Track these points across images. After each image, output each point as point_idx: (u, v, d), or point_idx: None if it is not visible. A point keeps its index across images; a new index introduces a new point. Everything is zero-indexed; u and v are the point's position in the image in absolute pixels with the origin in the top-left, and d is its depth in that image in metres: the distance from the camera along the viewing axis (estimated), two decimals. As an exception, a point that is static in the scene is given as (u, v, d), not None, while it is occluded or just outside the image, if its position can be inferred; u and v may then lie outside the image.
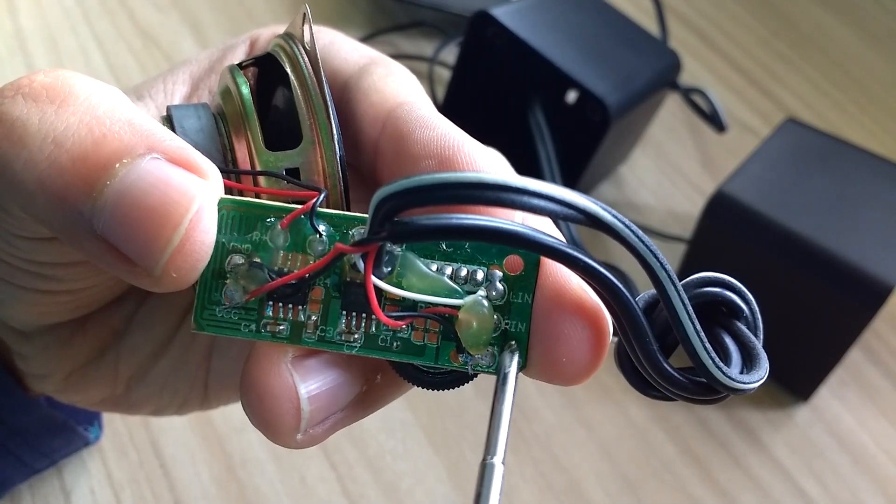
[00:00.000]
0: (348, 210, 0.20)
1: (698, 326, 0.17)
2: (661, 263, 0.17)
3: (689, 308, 0.17)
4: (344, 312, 0.18)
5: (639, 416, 0.44)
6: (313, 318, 0.18)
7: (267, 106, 0.21)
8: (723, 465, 0.43)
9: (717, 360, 0.17)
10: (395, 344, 0.18)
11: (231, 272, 0.18)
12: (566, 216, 0.16)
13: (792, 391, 0.46)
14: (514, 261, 0.18)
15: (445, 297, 0.18)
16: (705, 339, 0.17)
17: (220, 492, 0.37)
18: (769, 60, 0.71)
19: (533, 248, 0.16)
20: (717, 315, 0.19)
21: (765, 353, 0.18)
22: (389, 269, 0.18)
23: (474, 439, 0.41)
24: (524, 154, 0.48)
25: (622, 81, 0.49)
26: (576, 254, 0.17)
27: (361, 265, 0.17)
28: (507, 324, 0.18)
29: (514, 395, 0.17)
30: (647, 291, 0.18)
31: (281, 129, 0.20)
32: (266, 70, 0.21)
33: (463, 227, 0.16)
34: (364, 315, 0.18)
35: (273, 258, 0.18)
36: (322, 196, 0.18)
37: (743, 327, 0.18)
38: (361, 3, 0.67)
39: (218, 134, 0.21)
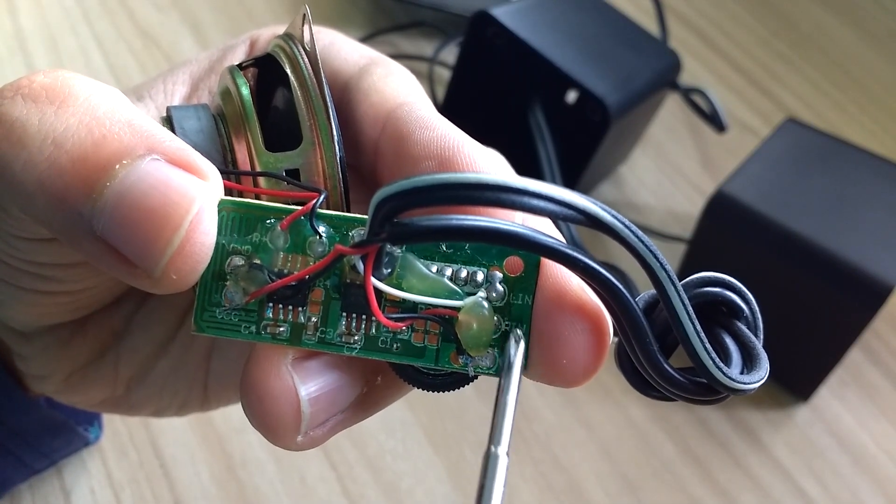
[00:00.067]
0: (348, 211, 0.20)
1: (698, 326, 0.17)
2: (661, 264, 0.17)
3: (689, 308, 0.17)
4: (344, 314, 0.18)
5: (639, 416, 0.44)
6: (313, 319, 0.18)
7: (267, 107, 0.21)
8: (723, 465, 0.43)
9: (717, 360, 0.17)
10: (395, 345, 0.18)
11: (231, 274, 0.18)
12: (566, 217, 0.16)
13: (792, 391, 0.46)
14: (515, 262, 0.18)
15: (445, 298, 0.18)
16: (705, 340, 0.17)
17: (220, 492, 0.37)
18: (769, 60, 0.71)
19: (533, 249, 0.16)
20: (717, 315, 0.19)
21: (765, 354, 0.18)
22: (389, 270, 0.18)
23: (474, 439, 0.41)
24: (524, 154, 0.48)
25: (622, 81, 0.49)
26: (576, 254, 0.17)
27: (361, 266, 0.17)
28: (507, 325, 0.18)
29: (519, 383, 0.17)
30: (646, 291, 0.18)
31: (281, 130, 0.20)
32: (266, 71, 0.21)
33: (463, 228, 0.16)
34: (364, 316, 0.18)
35: (273, 259, 0.18)
36: (322, 197, 0.18)
37: (743, 327, 0.18)
38: (361, 3, 0.67)
39: (218, 135, 0.21)
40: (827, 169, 0.46)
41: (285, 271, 0.18)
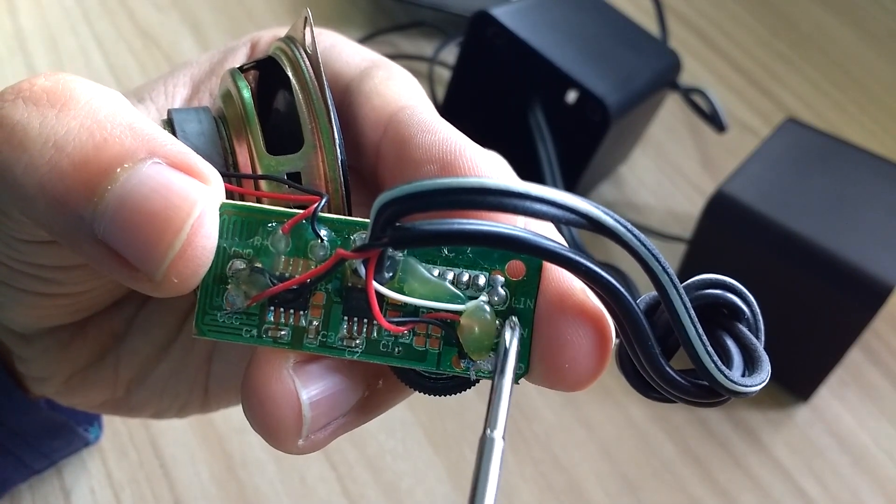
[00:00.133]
0: (350, 214, 0.20)
1: (700, 329, 0.17)
2: (663, 266, 0.17)
3: (691, 310, 0.17)
4: (345, 318, 0.18)
5: (639, 416, 0.44)
6: (315, 323, 0.18)
7: (268, 109, 0.21)
8: (723, 465, 0.43)
9: (718, 362, 0.17)
10: (396, 349, 0.18)
11: (232, 277, 0.18)
12: (568, 220, 0.16)
13: (792, 391, 0.46)
14: (517, 266, 0.18)
15: (447, 302, 0.18)
16: (707, 342, 0.17)
17: (220, 492, 0.37)
18: (769, 60, 0.71)
19: (535, 253, 0.16)
20: (718, 317, 0.19)
21: (766, 356, 0.18)
22: (391, 274, 0.18)
23: (474, 439, 0.41)
24: (524, 154, 0.48)
25: (622, 81, 0.49)
26: (578, 258, 0.17)
27: (363, 270, 0.17)
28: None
29: (514, 369, 0.17)
30: (648, 293, 0.18)
31: (282, 132, 0.20)
32: (267, 73, 0.21)
33: (465, 232, 0.16)
34: (365, 320, 0.18)
35: (274, 263, 0.18)
36: (323, 201, 0.18)
37: (744, 329, 0.18)
38: (361, 3, 0.67)
39: (219, 138, 0.21)
40: (827, 169, 0.46)
41: (287, 275, 0.18)
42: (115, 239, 0.16)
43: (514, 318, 0.18)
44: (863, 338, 0.44)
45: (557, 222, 0.16)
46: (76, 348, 0.25)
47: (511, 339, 0.17)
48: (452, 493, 0.39)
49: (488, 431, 0.16)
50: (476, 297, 0.18)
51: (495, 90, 0.52)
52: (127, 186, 0.16)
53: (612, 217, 0.16)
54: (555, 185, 0.15)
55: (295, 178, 0.20)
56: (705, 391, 0.18)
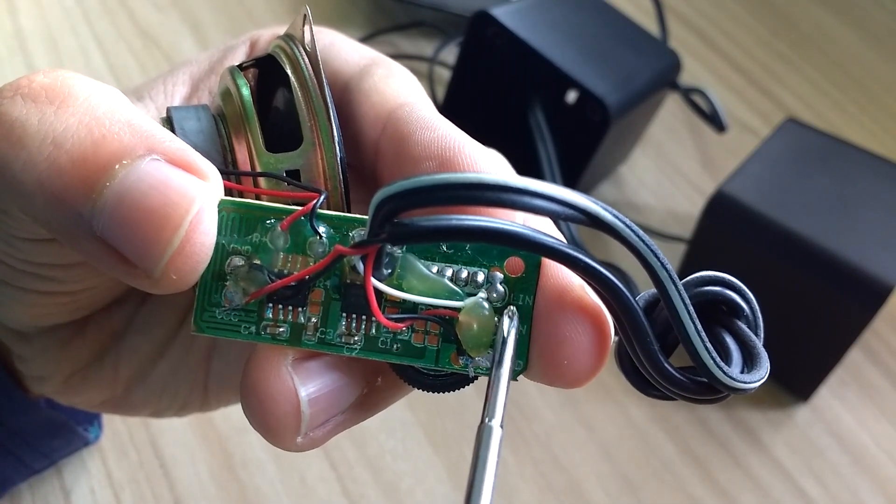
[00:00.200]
0: (349, 211, 0.20)
1: (699, 326, 0.17)
2: (662, 263, 0.17)
3: (690, 307, 0.17)
4: (344, 314, 0.18)
5: (639, 416, 0.44)
6: (313, 320, 0.18)
7: (267, 107, 0.21)
8: (723, 465, 0.43)
9: (717, 359, 0.17)
10: (395, 346, 0.18)
11: (231, 274, 0.18)
12: (567, 216, 0.16)
13: (792, 391, 0.46)
14: (515, 262, 0.18)
15: (446, 299, 0.18)
16: (706, 339, 0.17)
17: (220, 492, 0.37)
18: (769, 60, 0.71)
19: (534, 249, 0.16)
20: (717, 314, 0.19)
21: (765, 353, 0.18)
22: (389, 270, 0.18)
23: (474, 439, 0.41)
24: (524, 154, 0.48)
25: (622, 81, 0.49)
26: (577, 254, 0.16)
27: (361, 267, 0.17)
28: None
29: (512, 359, 0.17)
30: (647, 291, 0.18)
31: (281, 130, 0.20)
32: (266, 71, 0.21)
33: (463, 229, 0.16)
34: (364, 317, 0.18)
35: (273, 260, 0.18)
36: (322, 197, 0.18)
37: (743, 326, 0.18)
38: (361, 3, 0.67)
39: (218, 135, 0.21)
40: (827, 169, 0.46)
41: (285, 272, 0.18)
42: (113, 236, 0.16)
43: (513, 308, 0.18)
44: (863, 338, 0.44)
45: (556, 218, 0.16)
46: (76, 347, 0.25)
47: (509, 328, 0.17)
48: (452, 493, 0.39)
49: (487, 420, 0.16)
50: (475, 294, 0.18)
51: (495, 90, 0.52)
52: (125, 183, 0.16)
53: (610, 213, 0.16)
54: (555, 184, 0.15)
55: (294, 175, 0.20)
56: (704, 388, 0.18)
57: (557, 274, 0.18)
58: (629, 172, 0.58)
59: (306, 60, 0.20)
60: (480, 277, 0.18)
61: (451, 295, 0.18)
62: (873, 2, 0.81)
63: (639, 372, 0.18)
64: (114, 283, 0.23)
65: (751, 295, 0.18)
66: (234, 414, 0.39)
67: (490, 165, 0.19)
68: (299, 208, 0.18)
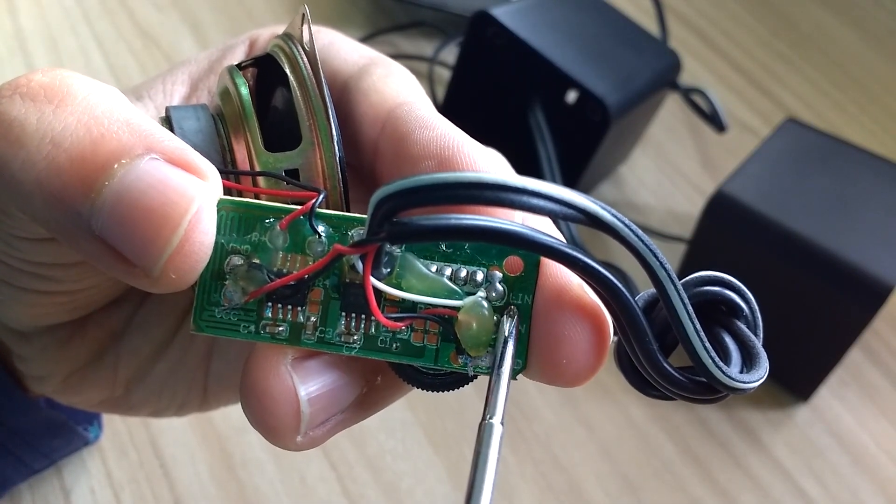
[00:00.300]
0: (348, 211, 0.20)
1: (698, 326, 0.17)
2: (661, 263, 0.17)
3: (689, 307, 0.17)
4: (343, 314, 0.18)
5: (639, 416, 0.44)
6: (312, 319, 0.18)
7: (266, 107, 0.21)
8: (723, 465, 0.43)
9: (716, 359, 0.17)
10: (394, 345, 0.18)
11: (230, 273, 0.18)
12: (566, 216, 0.16)
13: (792, 391, 0.46)
14: (514, 262, 0.18)
15: (445, 298, 0.18)
16: (705, 339, 0.17)
17: (220, 492, 0.37)
18: (769, 60, 0.71)
19: (532, 249, 0.16)
20: (716, 314, 0.19)
21: (765, 353, 0.18)
22: (389, 269, 0.18)
23: (474, 439, 0.41)
24: (524, 154, 0.48)
25: (622, 81, 0.49)
26: (575, 254, 0.16)
27: (360, 266, 0.17)
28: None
29: (513, 357, 0.17)
30: (646, 291, 0.18)
31: (280, 130, 0.20)
32: (265, 71, 0.21)
33: (462, 228, 0.16)
34: (363, 316, 0.18)
35: (272, 259, 0.18)
36: (321, 197, 0.18)
37: (743, 326, 0.18)
38: (361, 3, 0.67)
39: (217, 135, 0.21)
40: (827, 169, 0.46)
41: (284, 271, 0.18)
42: (112, 235, 0.16)
43: (514, 307, 0.18)
44: (863, 338, 0.44)
45: (555, 217, 0.16)
46: (75, 346, 0.25)
47: (510, 328, 0.17)
48: (452, 494, 0.39)
49: (488, 418, 0.16)
50: (474, 293, 0.18)
51: (495, 90, 0.52)
52: (124, 182, 0.16)
53: (609, 212, 0.16)
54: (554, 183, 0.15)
55: (293, 174, 0.20)
56: (703, 388, 0.18)
57: (556, 273, 0.18)
58: (629, 172, 0.58)
59: (305, 60, 0.20)
60: (479, 276, 0.18)
61: (451, 294, 0.18)
62: (873, 2, 0.81)
63: (638, 372, 0.18)
64: (113, 282, 0.23)
65: (750, 295, 0.18)
66: (233, 414, 0.39)
67: (489, 165, 0.19)
68: (298, 207, 0.18)
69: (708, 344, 0.17)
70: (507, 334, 0.17)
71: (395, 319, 0.18)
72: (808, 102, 0.68)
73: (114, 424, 0.38)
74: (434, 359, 0.18)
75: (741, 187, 0.44)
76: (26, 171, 0.17)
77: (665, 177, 0.59)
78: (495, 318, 0.18)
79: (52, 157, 0.16)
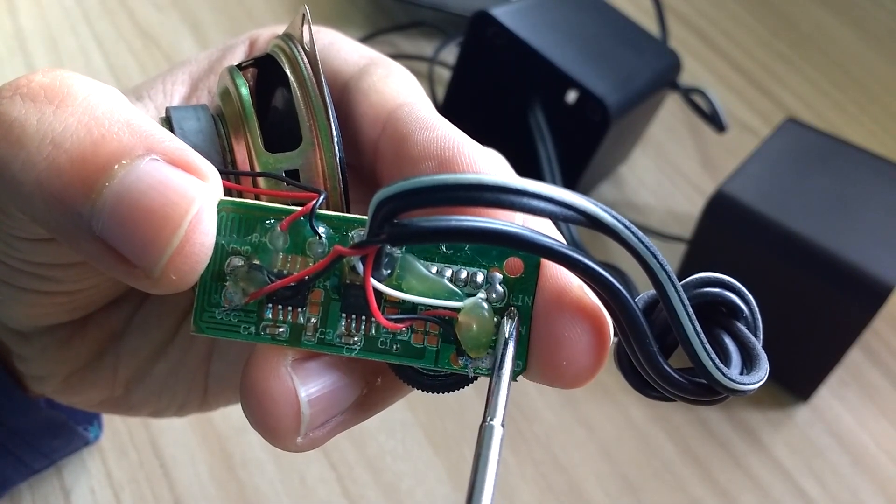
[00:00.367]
0: (348, 212, 0.20)
1: (698, 327, 0.17)
2: (661, 264, 0.17)
3: (689, 309, 0.17)
4: (343, 315, 0.18)
5: (639, 417, 0.44)
6: (313, 320, 0.18)
7: (266, 107, 0.21)
8: (723, 465, 0.43)
9: (716, 360, 0.17)
10: (394, 346, 0.18)
11: (230, 274, 0.18)
12: (566, 217, 0.16)
13: (792, 391, 0.46)
14: (515, 263, 0.18)
15: (445, 299, 0.18)
16: (705, 340, 0.17)
17: (220, 492, 0.37)
18: (769, 60, 0.71)
19: (533, 250, 0.16)
20: (716, 315, 0.19)
21: (765, 354, 0.18)
22: (389, 271, 0.18)
23: (474, 439, 0.41)
24: (524, 154, 0.48)
25: (622, 81, 0.49)
26: (576, 255, 0.16)
27: (361, 267, 0.17)
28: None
29: (513, 359, 0.17)
30: (646, 292, 0.18)
31: (280, 130, 0.20)
32: (265, 71, 0.21)
33: (462, 229, 0.16)
34: (363, 317, 0.18)
35: (272, 260, 0.18)
36: (321, 198, 0.18)
37: (743, 328, 0.18)
38: (361, 3, 0.67)
39: (217, 135, 0.20)
40: (827, 169, 0.46)
41: (285, 272, 0.18)
42: (112, 235, 0.16)
43: (513, 308, 0.18)
44: (863, 338, 0.44)
45: (555, 219, 0.16)
46: (75, 347, 0.25)
47: (510, 329, 0.17)
48: (452, 494, 0.39)
49: (488, 420, 0.16)
50: (474, 295, 0.18)
51: (495, 90, 0.52)
52: (125, 183, 0.16)
53: (609, 214, 0.16)
54: (554, 185, 0.15)
55: (293, 175, 0.20)
56: (703, 389, 0.18)
57: (556, 275, 0.18)
58: (629, 172, 0.58)
59: (305, 60, 0.20)
60: (480, 278, 0.18)
61: (451, 295, 0.18)
62: (873, 2, 0.81)
63: (638, 373, 0.18)
64: (113, 283, 0.23)
65: (750, 296, 0.18)
66: (233, 414, 0.39)
67: (489, 166, 0.19)
68: (299, 208, 0.18)
69: (708, 345, 0.17)
70: (507, 336, 0.17)
71: (396, 321, 0.18)
72: (808, 102, 0.68)
73: (114, 424, 0.38)
74: (434, 360, 0.18)
75: (741, 187, 0.44)
76: (27, 172, 0.17)
77: (665, 177, 0.59)
78: (495, 319, 0.18)
79: (53, 158, 0.16)
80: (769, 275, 0.43)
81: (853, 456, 0.44)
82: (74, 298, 0.23)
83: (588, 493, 0.40)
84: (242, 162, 0.20)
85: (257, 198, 0.19)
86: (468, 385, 0.19)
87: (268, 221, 0.18)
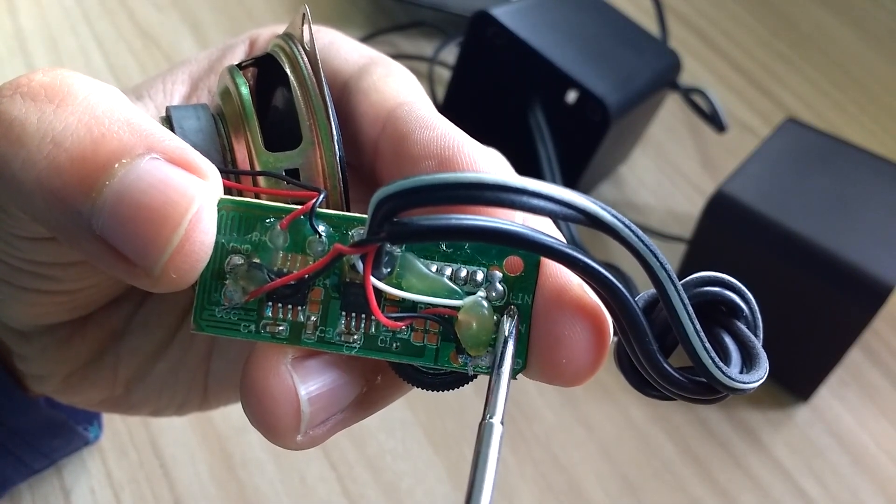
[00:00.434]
0: (348, 210, 0.20)
1: (698, 326, 0.17)
2: (661, 263, 0.17)
3: (689, 308, 0.17)
4: (343, 313, 0.18)
5: (639, 416, 0.44)
6: (313, 318, 0.18)
7: (266, 106, 0.21)
8: (723, 465, 0.43)
9: (716, 359, 0.17)
10: (394, 345, 0.18)
11: (230, 273, 0.18)
12: (566, 216, 0.16)
13: (792, 391, 0.46)
14: (514, 261, 0.18)
15: (445, 297, 0.18)
16: (705, 339, 0.17)
17: (220, 492, 0.37)
18: (769, 60, 0.71)
19: (532, 249, 0.16)
20: (716, 314, 0.19)
21: (764, 353, 0.18)
22: (389, 269, 0.18)
23: (474, 439, 0.41)
24: (524, 154, 0.48)
25: (622, 81, 0.49)
26: (575, 254, 0.16)
27: (361, 266, 0.17)
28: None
29: (513, 357, 0.17)
30: (646, 291, 0.18)
31: (281, 129, 0.20)
32: (265, 70, 0.21)
33: (462, 228, 0.16)
34: (363, 316, 0.18)
35: (272, 259, 0.18)
36: (321, 196, 0.18)
37: (743, 327, 0.18)
38: (361, 3, 0.67)
39: (217, 135, 0.21)
40: (827, 169, 0.46)
41: (285, 270, 0.18)
42: (112, 234, 0.16)
43: (513, 307, 0.18)
44: (863, 338, 0.44)
45: (555, 218, 0.16)
46: (75, 346, 0.25)
47: (510, 328, 0.18)
48: (452, 494, 0.39)
49: (488, 418, 0.16)
50: (474, 293, 0.18)
51: (495, 90, 0.52)
52: (125, 182, 0.16)
53: (609, 213, 0.16)
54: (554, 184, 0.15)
55: (293, 174, 0.20)
56: (703, 388, 0.18)
57: (556, 273, 0.18)
58: (629, 172, 0.58)
59: (305, 59, 0.20)
60: (479, 276, 0.18)
61: (451, 294, 0.18)
62: (873, 2, 0.81)
63: (638, 372, 0.18)
64: (113, 282, 0.23)
65: (750, 295, 0.18)
66: (233, 414, 0.39)
67: (489, 165, 0.19)
68: (298, 207, 0.18)
69: (708, 344, 0.17)
70: (507, 334, 0.17)
71: (396, 319, 0.18)
72: (808, 102, 0.68)
73: (114, 424, 0.38)
74: (434, 358, 0.18)
75: (741, 187, 0.44)
76: (27, 171, 0.17)
77: (665, 177, 0.59)
78: (495, 317, 0.18)
79: (53, 157, 0.17)
80: (769, 275, 0.43)
81: (853, 456, 0.44)
82: (75, 297, 0.23)
83: (588, 493, 0.40)
84: (242, 161, 0.20)
85: (257, 197, 0.19)
86: (468, 383, 0.19)
87: (268, 220, 0.18)
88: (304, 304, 0.18)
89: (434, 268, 0.18)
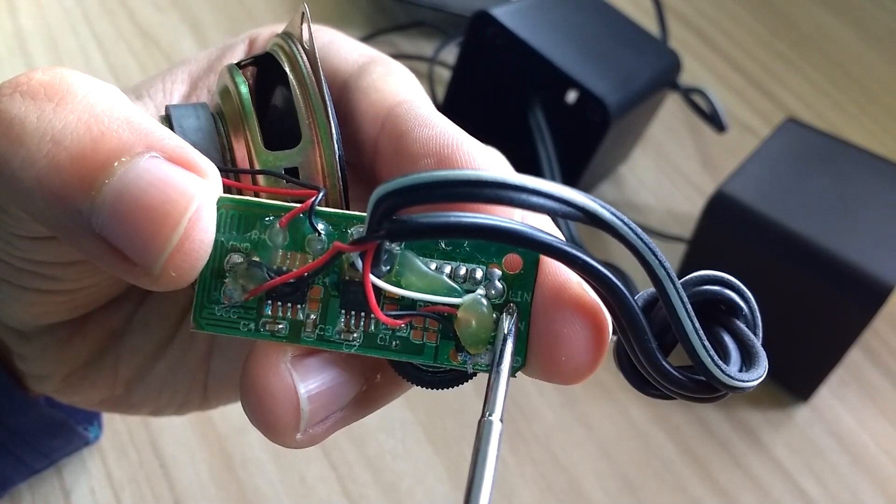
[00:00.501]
0: (347, 209, 0.20)
1: (697, 325, 0.17)
2: (661, 261, 0.17)
3: (688, 306, 0.17)
4: (343, 311, 0.18)
5: (639, 416, 0.44)
6: (312, 316, 0.18)
7: (266, 105, 0.21)
8: (723, 465, 0.43)
9: (715, 358, 0.17)
10: (394, 343, 0.18)
11: (230, 271, 0.18)
12: (565, 214, 0.16)
13: (792, 391, 0.46)
14: (514, 259, 0.18)
15: (444, 295, 0.18)
16: (704, 338, 0.17)
17: (220, 492, 0.37)
18: (769, 60, 0.71)
19: (532, 247, 0.16)
20: (716, 313, 0.19)
21: (764, 352, 0.18)
22: (388, 267, 0.18)
23: (474, 438, 0.41)
24: (524, 154, 0.48)
25: (622, 81, 0.49)
26: (575, 252, 0.16)
27: (360, 264, 0.17)
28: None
29: (512, 354, 0.17)
30: (646, 290, 0.18)
31: (280, 128, 0.20)
32: (265, 69, 0.21)
33: (461, 226, 0.16)
34: (363, 314, 0.18)
35: (272, 257, 0.18)
36: (321, 195, 0.18)
37: (742, 325, 0.18)
38: (361, 3, 0.67)
39: (217, 133, 0.21)
40: (827, 169, 0.46)
41: (284, 269, 0.18)
42: (112, 233, 0.16)
43: (512, 305, 0.18)
44: (863, 338, 0.44)
45: (554, 215, 0.16)
46: (75, 346, 0.25)
47: (509, 325, 0.18)
48: (452, 493, 0.39)
49: (487, 415, 0.16)
50: (473, 291, 0.18)
51: (495, 90, 0.52)
52: (124, 180, 0.16)
53: (608, 210, 0.16)
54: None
55: (293, 173, 0.20)
56: (702, 386, 0.18)
57: (555, 271, 0.18)
58: (629, 172, 0.58)
59: (305, 59, 0.20)
60: (479, 274, 0.18)
61: (450, 292, 0.18)
62: (873, 2, 0.81)
63: (637, 371, 0.18)
64: (113, 281, 0.23)
65: (749, 294, 0.18)
66: (233, 413, 0.39)
67: (489, 162, 0.19)
68: (298, 205, 0.18)
69: (707, 343, 0.17)
70: (506, 332, 0.17)
71: (395, 317, 0.18)
72: (808, 102, 0.68)
73: (114, 424, 0.38)
74: (433, 356, 0.18)
75: (741, 187, 0.44)
76: (26, 170, 0.17)
77: (665, 177, 0.59)
78: (494, 315, 0.18)
79: (53, 156, 0.17)
80: (769, 275, 0.43)
81: (853, 456, 0.44)
82: (75, 297, 0.23)
83: (587, 493, 0.40)
84: (242, 160, 0.20)
85: (257, 195, 0.19)
86: (467, 381, 0.19)
87: (267, 218, 0.18)
88: (303, 303, 0.18)
89: (433, 265, 0.18)
